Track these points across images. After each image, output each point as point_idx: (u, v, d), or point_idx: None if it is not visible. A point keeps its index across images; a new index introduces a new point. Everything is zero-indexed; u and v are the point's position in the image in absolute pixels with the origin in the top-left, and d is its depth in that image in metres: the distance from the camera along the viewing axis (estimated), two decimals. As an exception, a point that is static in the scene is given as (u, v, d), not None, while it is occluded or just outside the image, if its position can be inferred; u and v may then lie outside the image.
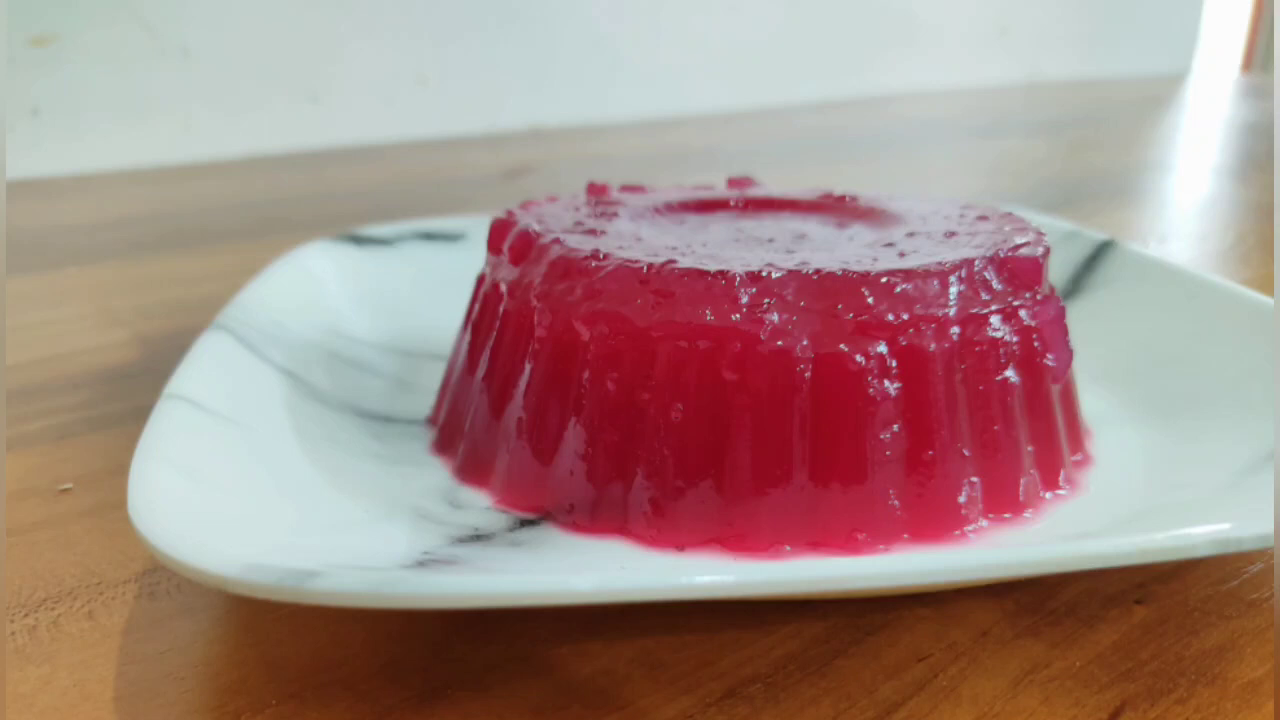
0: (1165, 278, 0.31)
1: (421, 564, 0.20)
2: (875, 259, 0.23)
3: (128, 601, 0.21)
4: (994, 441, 0.22)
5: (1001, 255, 0.23)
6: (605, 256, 0.23)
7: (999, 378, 0.23)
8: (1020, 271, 0.23)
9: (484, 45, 0.83)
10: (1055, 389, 0.24)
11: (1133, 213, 0.58)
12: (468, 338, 0.27)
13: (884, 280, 0.22)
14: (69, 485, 0.26)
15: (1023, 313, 0.23)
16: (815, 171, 0.69)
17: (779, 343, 0.21)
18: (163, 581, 0.22)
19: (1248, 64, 1.38)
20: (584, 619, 0.20)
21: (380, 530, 0.21)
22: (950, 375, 0.22)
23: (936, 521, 0.22)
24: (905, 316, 0.21)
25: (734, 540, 0.21)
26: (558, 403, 0.23)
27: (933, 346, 0.22)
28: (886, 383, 0.21)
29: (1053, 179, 0.67)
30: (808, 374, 0.21)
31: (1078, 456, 0.25)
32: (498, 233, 0.27)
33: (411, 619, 0.20)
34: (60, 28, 0.67)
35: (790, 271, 0.22)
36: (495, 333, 0.25)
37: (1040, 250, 0.24)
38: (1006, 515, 0.22)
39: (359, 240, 0.37)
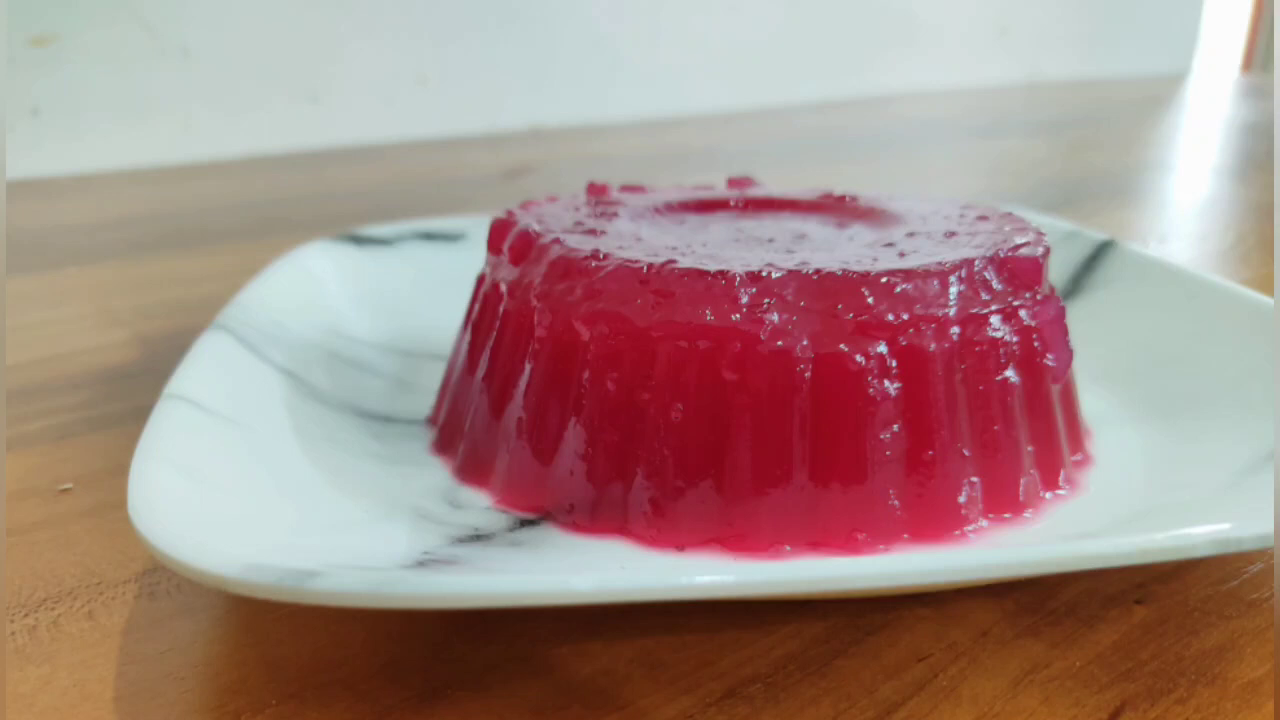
0: (1165, 278, 0.31)
1: (421, 564, 0.20)
2: (875, 259, 0.23)
3: (128, 601, 0.21)
4: (994, 441, 0.22)
5: (1001, 255, 0.23)
6: (605, 256, 0.23)
7: (999, 378, 0.23)
8: (1020, 271, 0.23)
9: (484, 45, 0.83)
10: (1055, 389, 0.24)
11: (1133, 213, 0.58)
12: (468, 338, 0.27)
13: (884, 280, 0.22)
14: (69, 485, 0.26)
15: (1023, 313, 0.23)
16: (815, 171, 0.69)
17: (779, 343, 0.21)
18: (163, 581, 0.22)
19: (1248, 64, 1.38)
20: (584, 619, 0.20)
21: (380, 530, 0.21)
22: (950, 375, 0.22)
23: (936, 521, 0.22)
24: (905, 316, 0.21)
25: (734, 540, 0.21)
26: (558, 403, 0.23)
27: (933, 346, 0.22)
28: (886, 383, 0.21)
29: (1053, 179, 0.67)
30: (808, 374, 0.21)
31: (1078, 456, 0.25)
32: (498, 233, 0.27)
33: (411, 619, 0.20)
34: (60, 28, 0.67)
35: (790, 271, 0.22)
36: (495, 333, 0.25)
37: (1040, 250, 0.24)
38: (1006, 515, 0.22)
39: (359, 240, 0.37)
